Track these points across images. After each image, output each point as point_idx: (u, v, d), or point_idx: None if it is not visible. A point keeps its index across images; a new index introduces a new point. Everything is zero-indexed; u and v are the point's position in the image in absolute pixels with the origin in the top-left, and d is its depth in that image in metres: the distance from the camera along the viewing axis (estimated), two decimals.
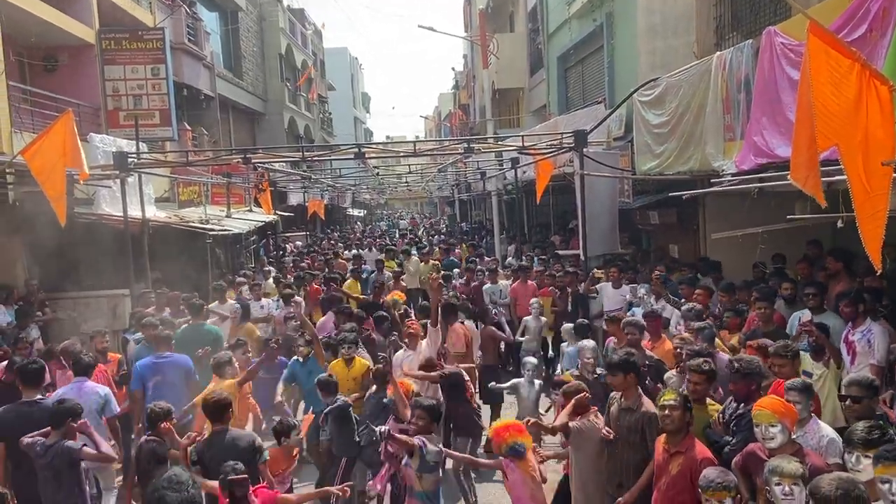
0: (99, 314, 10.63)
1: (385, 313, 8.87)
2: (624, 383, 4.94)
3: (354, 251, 18.56)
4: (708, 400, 5.05)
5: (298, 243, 23.37)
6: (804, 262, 7.81)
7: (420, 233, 31.00)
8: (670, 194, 8.41)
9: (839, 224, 4.77)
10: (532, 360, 7.55)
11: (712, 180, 7.45)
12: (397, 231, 36.29)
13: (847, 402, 4.25)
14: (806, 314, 6.16)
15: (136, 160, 10.75)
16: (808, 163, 4.01)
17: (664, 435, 4.40)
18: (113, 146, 11.49)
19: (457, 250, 17.96)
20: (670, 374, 5.84)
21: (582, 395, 5.17)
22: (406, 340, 7.55)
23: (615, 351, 5.32)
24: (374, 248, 20.07)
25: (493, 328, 8.95)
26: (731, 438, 4.59)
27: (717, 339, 6.34)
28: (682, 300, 7.98)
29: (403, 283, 12.40)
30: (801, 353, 5.44)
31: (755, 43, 6.83)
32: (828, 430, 4.23)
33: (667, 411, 4.30)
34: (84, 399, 5.68)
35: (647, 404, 4.85)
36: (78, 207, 10.89)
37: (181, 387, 6.57)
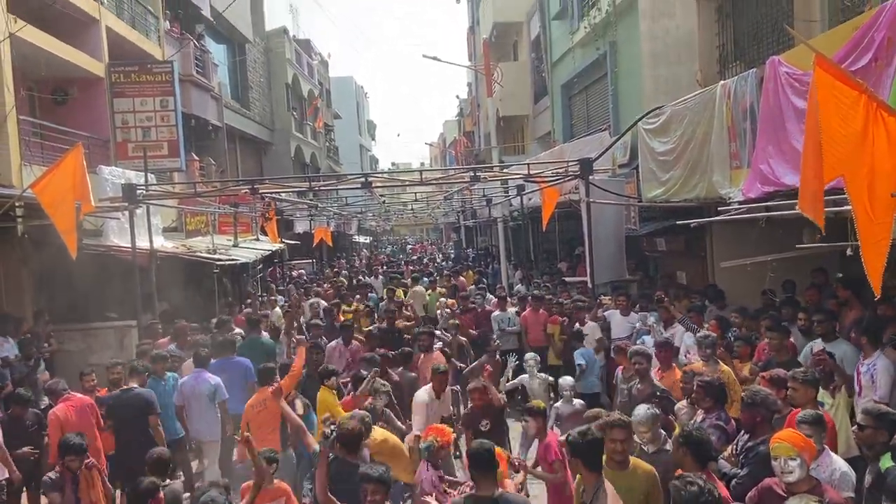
0: (106, 346, 10.60)
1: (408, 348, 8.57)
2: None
3: (361, 280, 18.57)
4: (632, 463, 4.50)
5: (302, 271, 23.38)
6: (813, 288, 7.77)
7: (431, 258, 31.02)
8: (678, 222, 8.41)
9: (848, 252, 4.76)
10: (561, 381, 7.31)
11: (719, 208, 7.45)
12: (404, 256, 36.35)
13: (854, 429, 4.22)
14: (818, 343, 6.11)
15: (144, 192, 10.83)
16: (814, 194, 4.02)
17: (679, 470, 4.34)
18: (122, 178, 11.58)
19: (461, 277, 17.92)
20: (680, 406, 5.78)
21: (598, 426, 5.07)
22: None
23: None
24: (380, 276, 20.08)
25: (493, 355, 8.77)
26: (739, 471, 4.54)
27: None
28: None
29: (408, 312, 12.34)
30: None
31: (759, 72, 6.88)
32: (840, 464, 4.18)
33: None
34: (199, 386, 7.36)
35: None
36: (86, 239, 10.93)
37: (242, 384, 7.75)
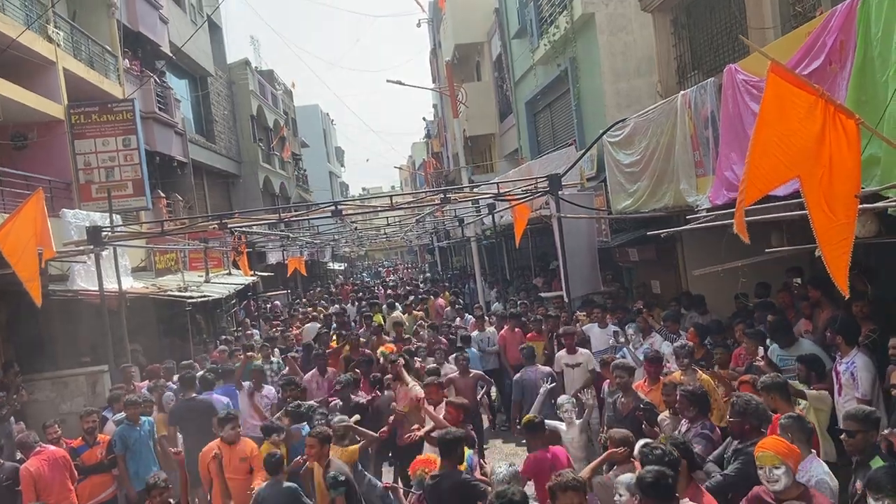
0: (78, 393, 10.31)
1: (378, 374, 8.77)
2: None
3: (337, 307, 18.43)
4: None
5: (277, 303, 23.14)
6: (784, 290, 7.84)
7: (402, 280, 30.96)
8: (648, 233, 8.46)
9: (817, 253, 4.80)
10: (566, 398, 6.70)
11: (688, 216, 7.51)
12: (379, 281, 36.20)
13: (843, 437, 4.19)
14: (775, 349, 6.17)
15: (109, 233, 10.63)
16: (740, 205, 4.09)
17: None
18: (86, 220, 11.35)
19: (440, 299, 17.85)
20: (663, 417, 5.77)
21: (620, 451, 4.89)
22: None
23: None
24: (356, 302, 19.94)
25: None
26: (728, 472, 4.53)
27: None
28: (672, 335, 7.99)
29: (386, 337, 12.22)
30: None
31: (717, 80, 6.99)
32: (818, 470, 4.13)
33: None
34: (216, 405, 7.87)
35: None
36: (52, 284, 10.68)
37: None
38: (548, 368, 8.24)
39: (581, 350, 8.58)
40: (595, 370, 8.13)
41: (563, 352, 8.70)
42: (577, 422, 6.44)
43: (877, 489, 3.22)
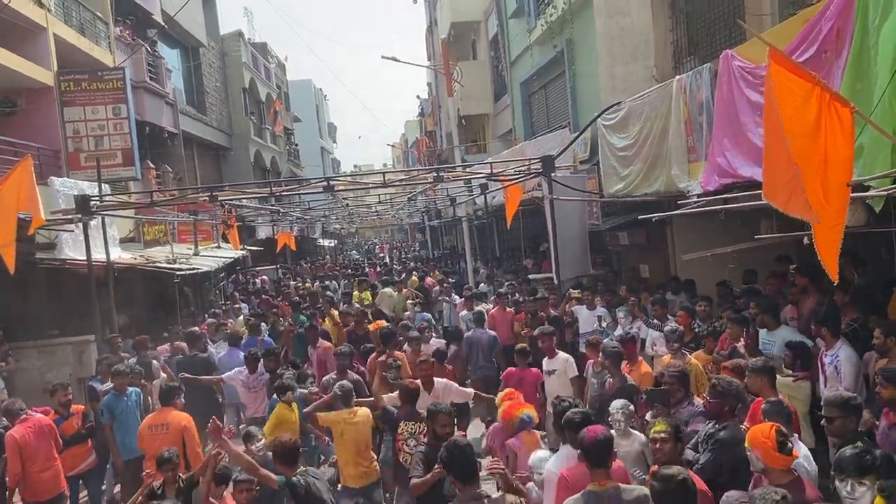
0: (64, 362, 10.30)
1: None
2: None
3: (326, 283, 18.44)
4: None
5: (265, 277, 23.08)
6: (772, 277, 7.90)
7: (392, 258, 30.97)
8: (639, 217, 8.48)
9: (805, 241, 4.83)
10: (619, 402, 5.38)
11: (679, 201, 7.53)
12: (371, 259, 36.18)
13: (823, 422, 4.24)
14: (763, 332, 6.25)
15: (98, 203, 10.54)
16: (788, 185, 4.04)
17: (657, 466, 4.34)
18: (74, 189, 11.25)
19: (428, 278, 17.88)
20: None
21: None
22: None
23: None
24: (344, 280, 19.96)
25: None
26: (699, 456, 4.59)
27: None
28: (655, 321, 8.05)
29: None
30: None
31: (713, 66, 6.97)
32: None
33: (658, 444, 4.24)
34: (233, 361, 8.96)
35: None
36: (40, 253, 10.62)
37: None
38: (493, 332, 9.56)
39: (560, 354, 7.65)
40: (578, 376, 7.43)
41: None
42: (635, 433, 5.20)
43: (840, 470, 3.35)
